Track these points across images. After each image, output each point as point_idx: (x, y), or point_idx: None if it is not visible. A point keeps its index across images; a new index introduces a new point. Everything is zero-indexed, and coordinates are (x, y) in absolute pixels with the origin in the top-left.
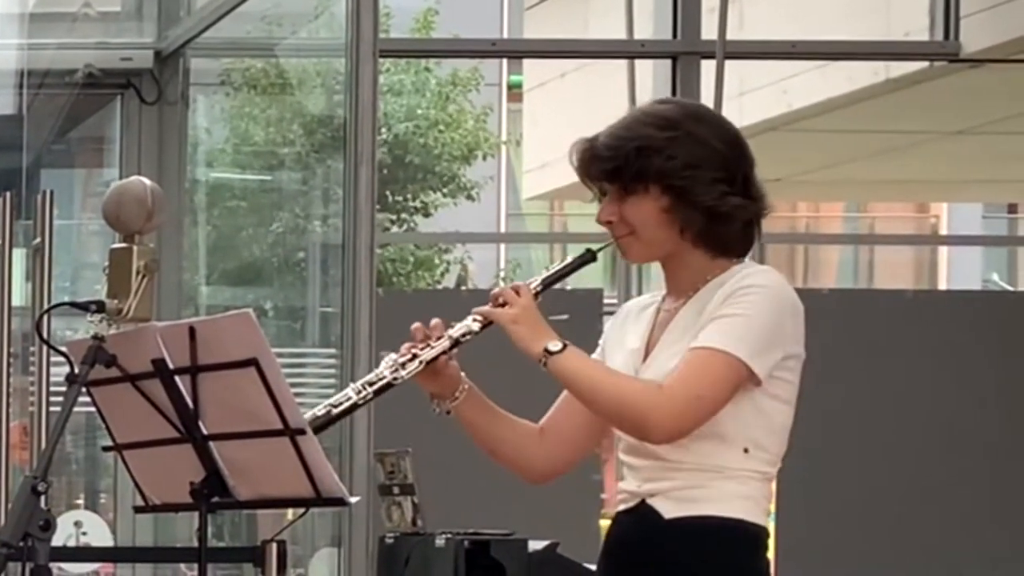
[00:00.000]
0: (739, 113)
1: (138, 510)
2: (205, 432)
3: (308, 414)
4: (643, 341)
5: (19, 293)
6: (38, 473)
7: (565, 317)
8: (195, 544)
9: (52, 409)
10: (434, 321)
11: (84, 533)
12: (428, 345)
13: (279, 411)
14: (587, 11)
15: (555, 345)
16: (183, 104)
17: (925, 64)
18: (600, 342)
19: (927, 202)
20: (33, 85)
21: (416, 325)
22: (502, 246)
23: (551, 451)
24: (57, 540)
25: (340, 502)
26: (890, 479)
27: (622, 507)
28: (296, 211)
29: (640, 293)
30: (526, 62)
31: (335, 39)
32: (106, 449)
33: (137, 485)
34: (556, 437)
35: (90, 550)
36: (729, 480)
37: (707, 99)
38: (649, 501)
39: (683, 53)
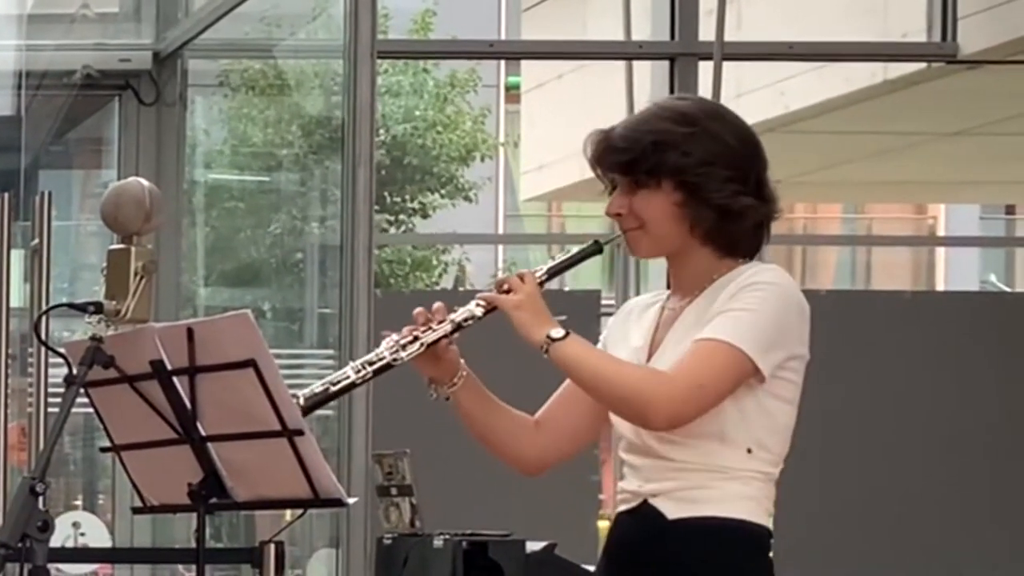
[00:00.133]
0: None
1: (136, 511)
2: (203, 433)
3: (306, 390)
4: (647, 339)
5: (17, 294)
6: (36, 474)
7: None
8: (193, 545)
9: (50, 410)
10: (436, 305)
11: (82, 534)
12: (430, 328)
13: (277, 412)
14: (585, 12)
15: (558, 332)
16: (181, 105)
17: (923, 65)
18: (601, 339)
19: (925, 203)
20: (31, 86)
21: (419, 309)
22: (500, 247)
23: (546, 444)
24: (55, 541)
25: (338, 503)
26: (888, 480)
27: (623, 507)
28: (294, 212)
29: (638, 294)
30: (524, 63)
31: (333, 40)
32: (104, 450)
33: (135, 486)
34: (551, 430)
35: (88, 551)
36: (732, 481)
37: None
38: (652, 501)
39: (681, 54)
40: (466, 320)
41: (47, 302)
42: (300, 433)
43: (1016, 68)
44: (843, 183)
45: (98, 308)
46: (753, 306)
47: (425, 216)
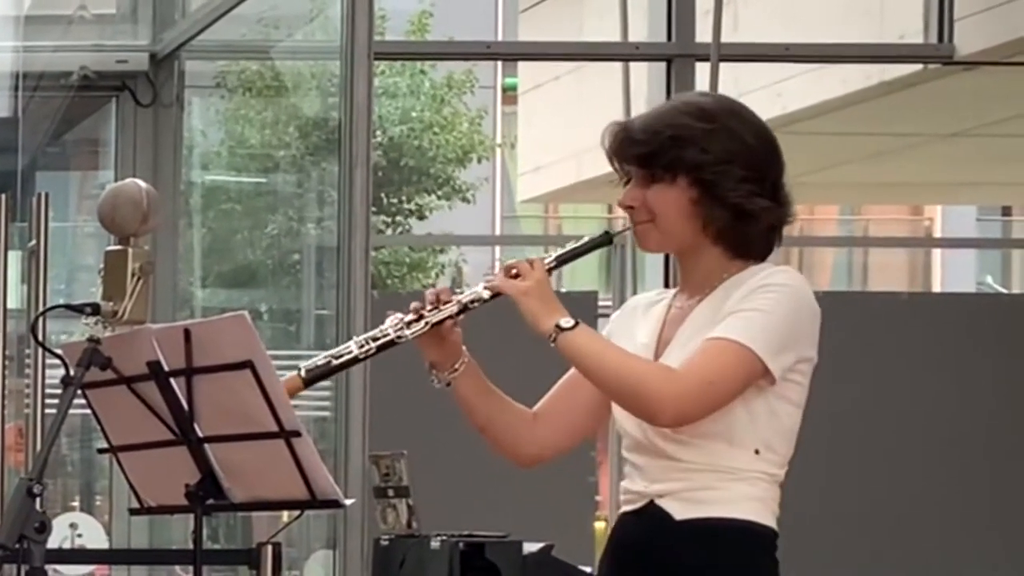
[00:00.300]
0: None
1: (133, 512)
2: (200, 434)
3: (307, 362)
4: (653, 337)
5: (15, 295)
6: (34, 475)
7: None
8: (190, 546)
9: (47, 411)
10: (442, 286)
11: (80, 535)
12: (436, 308)
13: (274, 413)
14: (582, 14)
15: (567, 321)
16: (178, 106)
17: (919, 67)
18: (604, 334)
19: (921, 204)
20: (28, 87)
21: (428, 291)
22: (497, 248)
23: (543, 437)
24: (53, 542)
25: (335, 504)
26: (885, 481)
27: (628, 508)
28: (291, 213)
29: (635, 295)
30: (521, 64)
31: (330, 42)
32: (101, 451)
33: (132, 487)
34: (550, 423)
35: (85, 552)
36: (740, 482)
37: None
38: (658, 502)
39: (678, 56)
40: (472, 302)
41: (44, 303)
42: (297, 434)
43: (1013, 69)
44: (840, 184)
45: (95, 309)
46: (766, 307)
47: (421, 218)
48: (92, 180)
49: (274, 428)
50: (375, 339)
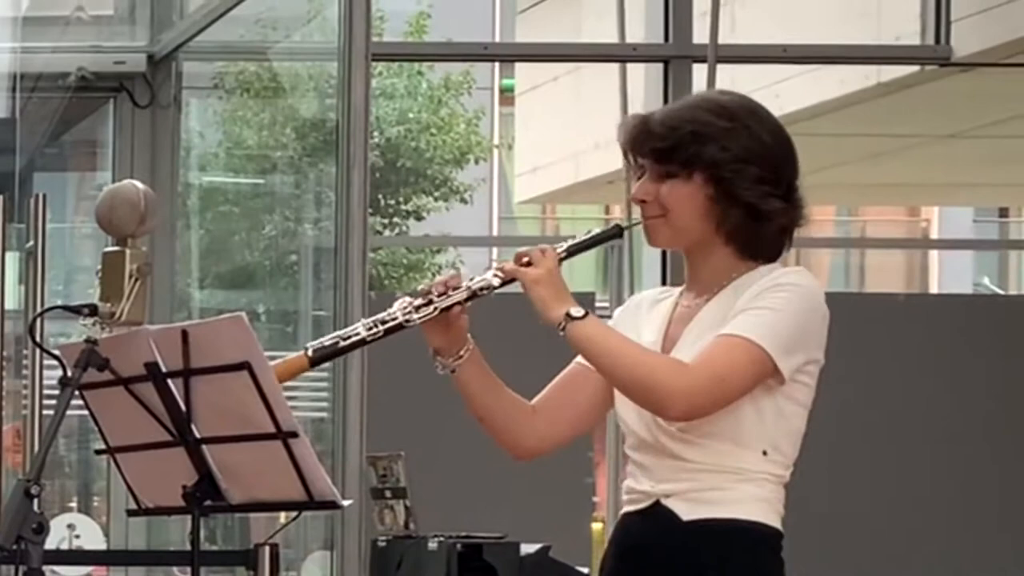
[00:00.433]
0: None
1: (131, 513)
2: (198, 435)
3: (314, 342)
4: (659, 335)
5: (12, 296)
6: (31, 476)
7: None
8: (188, 547)
9: (45, 412)
10: (452, 272)
11: (77, 536)
12: (445, 294)
13: (272, 414)
14: (579, 15)
15: (577, 311)
16: (176, 108)
17: (916, 68)
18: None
19: (918, 206)
20: (26, 89)
21: (438, 278)
22: (494, 249)
23: (542, 429)
24: (50, 543)
25: (332, 505)
26: (881, 482)
27: (632, 508)
28: (288, 215)
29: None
30: (518, 65)
31: (328, 43)
32: (99, 452)
33: (130, 488)
34: (549, 416)
35: (83, 553)
36: (748, 482)
37: None
38: (665, 502)
39: (675, 57)
40: (482, 289)
41: (42, 304)
42: (294, 435)
43: (1010, 71)
44: (837, 185)
45: (93, 310)
46: (778, 306)
47: (419, 219)
48: (90, 181)
49: (271, 429)
50: (383, 322)
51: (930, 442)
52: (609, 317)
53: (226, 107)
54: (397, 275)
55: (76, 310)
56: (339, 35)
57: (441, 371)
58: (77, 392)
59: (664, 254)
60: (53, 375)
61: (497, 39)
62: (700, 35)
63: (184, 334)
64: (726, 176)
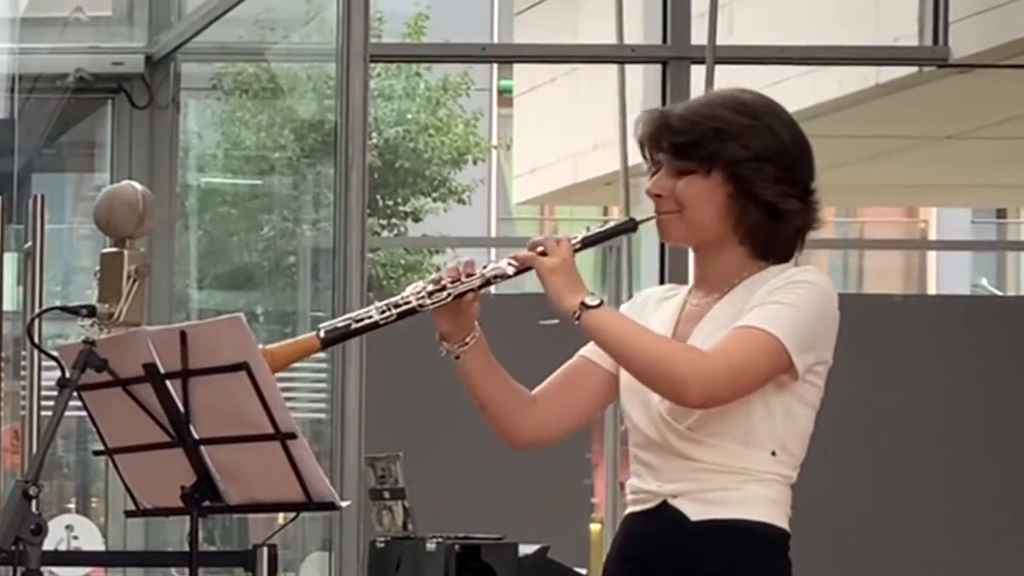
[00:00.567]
0: None
1: (129, 514)
2: (196, 436)
3: (326, 323)
4: (668, 333)
5: (10, 297)
6: (29, 477)
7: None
8: (186, 548)
9: (43, 413)
10: (467, 258)
11: (75, 537)
12: (459, 280)
13: (270, 415)
14: (577, 16)
15: (593, 299)
16: (174, 108)
17: (914, 69)
18: None
19: (916, 207)
20: (24, 89)
21: (451, 264)
22: (492, 250)
23: (543, 420)
24: (48, 544)
25: (331, 506)
26: (879, 483)
27: (638, 508)
28: (287, 215)
29: (630, 298)
30: (516, 67)
31: (326, 44)
32: (97, 453)
33: (128, 489)
34: (550, 408)
35: (81, 554)
36: (756, 483)
37: None
38: (672, 502)
39: (673, 58)
40: (496, 277)
41: (40, 305)
42: (293, 436)
43: (1007, 72)
44: (835, 186)
45: (91, 311)
46: (794, 302)
47: (417, 220)
48: (88, 182)
49: (270, 430)
50: (396, 306)
51: (928, 443)
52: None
53: (224, 108)
54: (395, 276)
55: (74, 311)
56: (337, 36)
57: (445, 356)
58: (75, 393)
59: (662, 255)
60: (51, 376)
61: (495, 40)
62: (698, 36)
63: (182, 335)
64: (745, 174)
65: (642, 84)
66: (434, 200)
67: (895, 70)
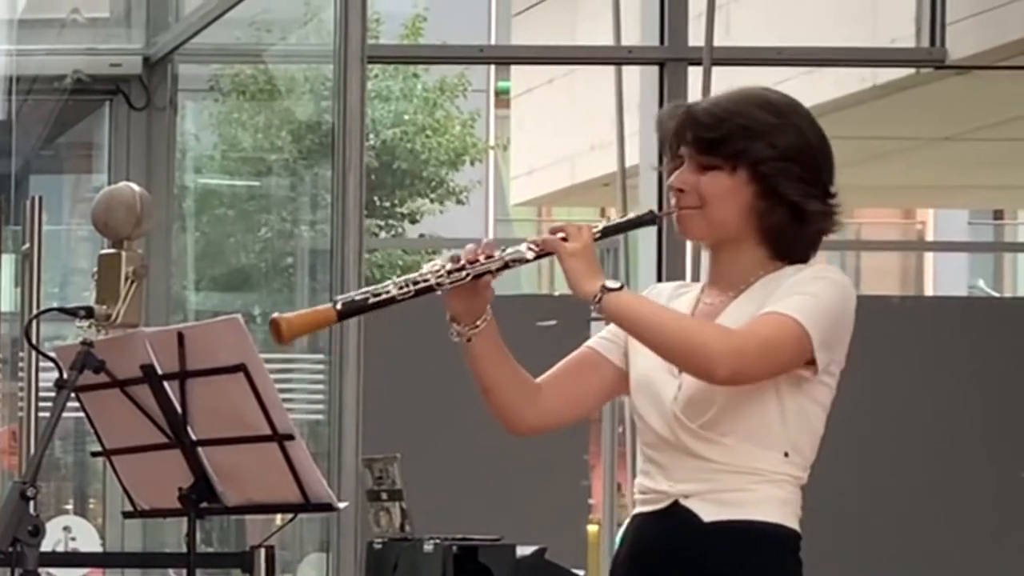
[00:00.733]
0: None
1: (127, 515)
2: (194, 437)
3: (343, 295)
4: None
5: (8, 298)
6: (27, 478)
7: (553, 323)
8: (184, 549)
9: (41, 414)
10: (486, 240)
11: (73, 538)
12: (477, 261)
13: (267, 416)
14: (574, 17)
15: (613, 283)
16: (172, 110)
17: (911, 71)
18: None
19: (913, 208)
20: (22, 91)
21: (470, 245)
22: None
23: (546, 408)
24: (46, 545)
25: (328, 507)
26: (877, 484)
27: (648, 508)
28: (284, 217)
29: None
30: (514, 68)
31: (323, 45)
32: (95, 454)
33: (126, 490)
34: (555, 396)
35: (79, 555)
36: (769, 484)
37: None
38: (684, 502)
39: (670, 59)
40: (515, 260)
41: (38, 306)
42: (290, 437)
43: (1004, 73)
44: None
45: (89, 312)
46: (821, 295)
47: (414, 221)
48: (86, 183)
49: (267, 431)
50: (415, 283)
51: (925, 444)
52: (606, 321)
53: (222, 109)
54: (393, 277)
55: (72, 312)
56: (335, 38)
57: (456, 338)
58: (73, 394)
59: (659, 255)
60: (49, 377)
61: (493, 42)
62: (695, 38)
63: (180, 336)
64: (770, 173)
65: (639, 85)
66: (431, 201)
67: (892, 71)
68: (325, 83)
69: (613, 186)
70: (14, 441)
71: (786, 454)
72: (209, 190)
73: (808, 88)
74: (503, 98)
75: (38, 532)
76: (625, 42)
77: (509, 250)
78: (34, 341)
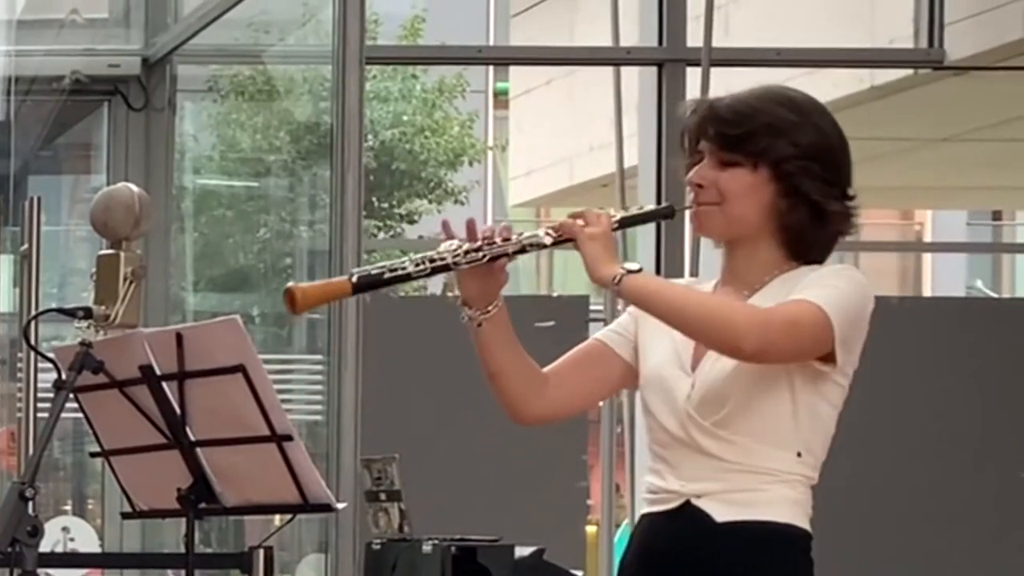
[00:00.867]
0: None
1: (126, 516)
2: (192, 438)
3: (359, 268)
4: None
5: (7, 299)
6: (26, 479)
7: (551, 323)
8: (182, 550)
9: (40, 415)
10: (503, 224)
11: (72, 539)
12: (494, 242)
13: (266, 417)
14: (573, 18)
15: (633, 265)
16: (170, 111)
17: (909, 71)
18: (629, 310)
19: (912, 209)
20: (21, 91)
21: (485, 225)
22: None
23: (552, 398)
24: (45, 546)
25: (327, 508)
26: (875, 484)
27: (658, 508)
28: (283, 217)
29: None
30: (512, 69)
31: (322, 46)
32: (94, 455)
33: (124, 491)
34: (561, 386)
35: (78, 556)
36: (781, 484)
37: None
38: (696, 502)
39: (669, 60)
40: (532, 245)
41: (37, 307)
42: (289, 438)
43: (1003, 74)
44: None
45: (87, 313)
46: (845, 291)
47: (412, 222)
48: (84, 184)
49: (266, 432)
50: (431, 260)
51: (924, 445)
52: (603, 322)
53: (220, 110)
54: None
55: (71, 313)
56: (333, 38)
57: (466, 321)
58: (72, 395)
59: (658, 255)
60: (48, 378)
61: (491, 42)
62: (694, 38)
63: (178, 337)
64: (792, 171)
65: (638, 86)
66: (430, 202)
67: (890, 72)
68: (324, 84)
69: (612, 187)
70: (13, 442)
71: (799, 454)
72: (208, 191)
73: (806, 89)
74: (501, 99)
75: (37, 532)
76: (624, 43)
77: (527, 234)
78: (33, 342)
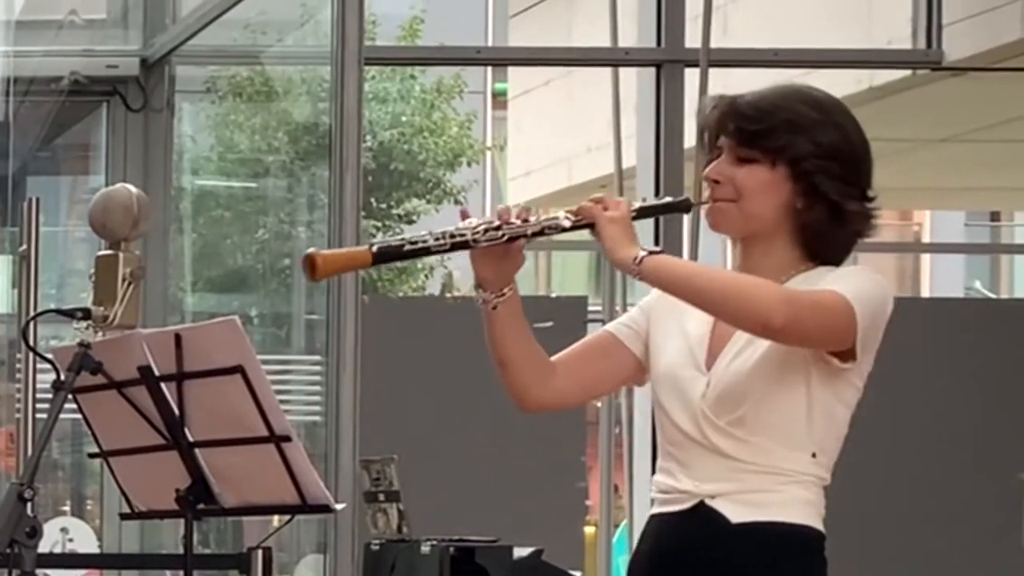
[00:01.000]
0: None
1: (124, 517)
2: (191, 439)
3: (379, 238)
4: (708, 327)
5: (5, 300)
6: (24, 480)
7: (549, 324)
8: (181, 551)
9: (38, 416)
10: (522, 205)
11: (70, 539)
12: (512, 224)
13: (265, 418)
14: (571, 19)
15: (654, 247)
16: (169, 111)
17: (908, 72)
18: (640, 304)
19: (910, 210)
20: (19, 92)
21: (502, 206)
22: None
23: (558, 387)
24: (43, 546)
25: (326, 509)
26: (874, 485)
27: (670, 508)
28: (281, 218)
29: (625, 301)
30: (511, 69)
31: (320, 47)
32: (92, 456)
33: (123, 492)
34: (568, 375)
35: (76, 556)
36: (796, 485)
37: (691, 107)
38: (710, 503)
39: (667, 61)
40: (551, 227)
41: (35, 308)
42: (288, 439)
43: (1001, 75)
44: None
45: (86, 314)
46: (867, 288)
47: (410, 222)
48: (83, 185)
49: (265, 433)
50: (451, 236)
51: (923, 445)
52: (602, 322)
53: (219, 111)
54: (390, 277)
55: (69, 314)
56: (332, 39)
57: (479, 303)
58: (70, 396)
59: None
60: (46, 379)
61: (490, 43)
62: (692, 39)
63: (177, 338)
64: (811, 170)
65: (636, 87)
66: (428, 202)
67: (889, 73)
68: (322, 85)
69: (610, 188)
70: (11, 442)
71: (814, 455)
72: (206, 191)
73: None
74: (500, 99)
75: (35, 533)
76: (622, 44)
77: (545, 217)
78: (31, 342)
